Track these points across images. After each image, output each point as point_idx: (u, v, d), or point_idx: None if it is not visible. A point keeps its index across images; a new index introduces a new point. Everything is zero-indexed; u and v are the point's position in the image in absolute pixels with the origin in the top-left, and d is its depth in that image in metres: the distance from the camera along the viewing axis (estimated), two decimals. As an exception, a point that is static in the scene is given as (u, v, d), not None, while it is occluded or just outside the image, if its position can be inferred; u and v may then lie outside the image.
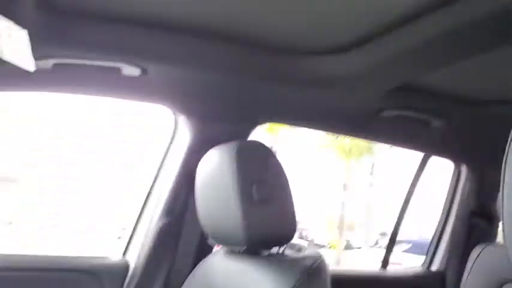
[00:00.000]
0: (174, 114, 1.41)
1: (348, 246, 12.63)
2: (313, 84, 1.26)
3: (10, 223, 1.19)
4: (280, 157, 1.04)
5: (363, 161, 12.31)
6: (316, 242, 12.62)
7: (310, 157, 12.74)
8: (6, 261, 1.29)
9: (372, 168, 12.72)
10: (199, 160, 1.10)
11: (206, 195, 1.07)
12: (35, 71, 1.01)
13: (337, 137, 11.08)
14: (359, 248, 12.97)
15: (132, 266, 1.37)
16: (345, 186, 12.46)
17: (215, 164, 1.04)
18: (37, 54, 0.92)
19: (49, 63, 1.07)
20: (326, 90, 1.31)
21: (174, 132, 1.44)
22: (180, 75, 1.25)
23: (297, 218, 1.01)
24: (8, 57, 0.90)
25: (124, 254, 1.42)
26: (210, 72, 1.23)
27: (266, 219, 0.96)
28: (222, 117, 1.39)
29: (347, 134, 2.15)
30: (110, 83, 1.25)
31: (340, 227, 12.53)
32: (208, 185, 1.07)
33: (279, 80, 1.27)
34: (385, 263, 1.93)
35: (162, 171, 1.44)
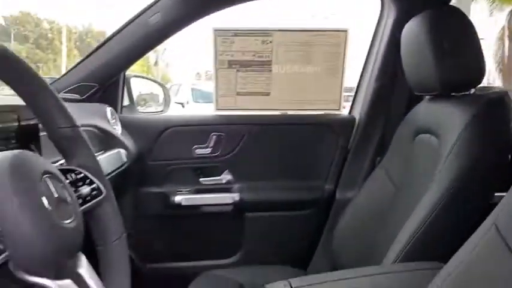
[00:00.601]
0: None
1: None
2: None
3: (268, 94, 1.59)
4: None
5: None
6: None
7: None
8: (267, 119, 1.77)
9: None
10: (402, 29, 1.33)
11: (409, 56, 1.31)
12: None
13: None
14: None
15: (357, 119, 1.80)
16: None
17: (415, 29, 1.25)
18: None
19: None
20: None
21: (381, 11, 1.73)
22: None
23: (485, 67, 1.18)
24: None
25: (350, 112, 1.87)
26: None
27: (455, 67, 1.16)
28: None
29: None
30: None
31: None
32: (410, 47, 1.29)
33: None
34: None
35: (375, 43, 1.76)
